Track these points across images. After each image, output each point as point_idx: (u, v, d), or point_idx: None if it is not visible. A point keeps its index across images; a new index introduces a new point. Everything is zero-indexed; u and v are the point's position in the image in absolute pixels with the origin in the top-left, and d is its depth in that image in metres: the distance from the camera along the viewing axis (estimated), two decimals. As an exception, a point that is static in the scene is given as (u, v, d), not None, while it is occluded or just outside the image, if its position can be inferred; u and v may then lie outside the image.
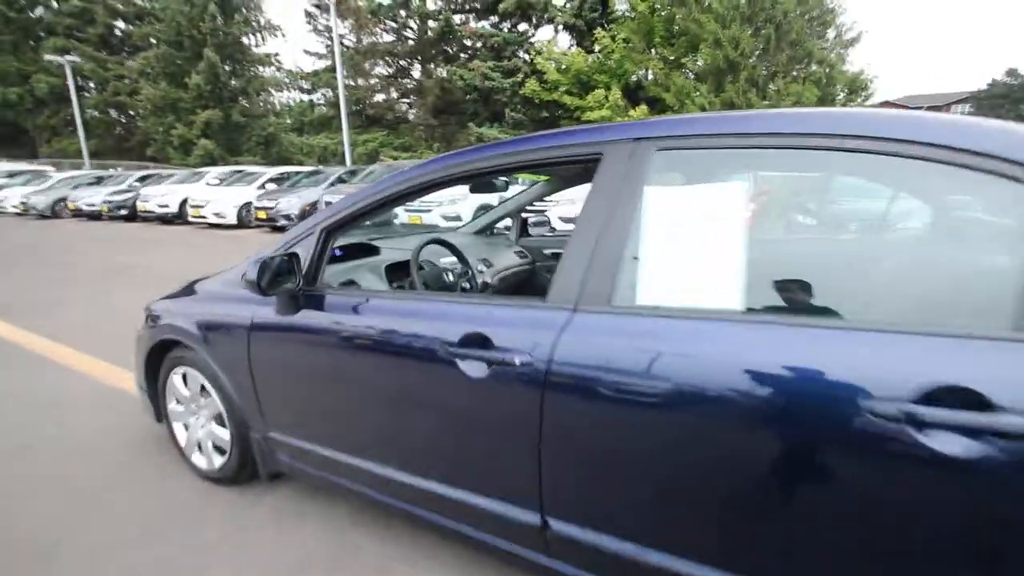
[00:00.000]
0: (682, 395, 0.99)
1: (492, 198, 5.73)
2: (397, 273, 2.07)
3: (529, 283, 2.80)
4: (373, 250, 2.24)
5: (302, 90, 28.41)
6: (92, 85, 27.75)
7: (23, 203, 14.35)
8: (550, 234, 3.12)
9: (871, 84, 15.98)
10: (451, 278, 2.09)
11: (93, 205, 13.28)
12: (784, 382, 0.91)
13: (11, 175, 17.34)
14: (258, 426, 1.78)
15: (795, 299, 1.05)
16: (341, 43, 20.10)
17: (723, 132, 1.08)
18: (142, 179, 14.43)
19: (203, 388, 1.92)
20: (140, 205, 12.63)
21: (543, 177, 2.77)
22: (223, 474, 1.95)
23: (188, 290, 2.01)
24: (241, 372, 1.73)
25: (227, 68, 25.37)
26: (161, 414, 2.15)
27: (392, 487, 1.49)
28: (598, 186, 1.17)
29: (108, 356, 3.24)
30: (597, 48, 18.79)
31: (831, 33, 15.85)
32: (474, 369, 1.22)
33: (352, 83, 24.79)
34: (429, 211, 8.53)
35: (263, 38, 27.97)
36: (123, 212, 12.98)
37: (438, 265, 2.17)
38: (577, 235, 1.17)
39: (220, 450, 1.95)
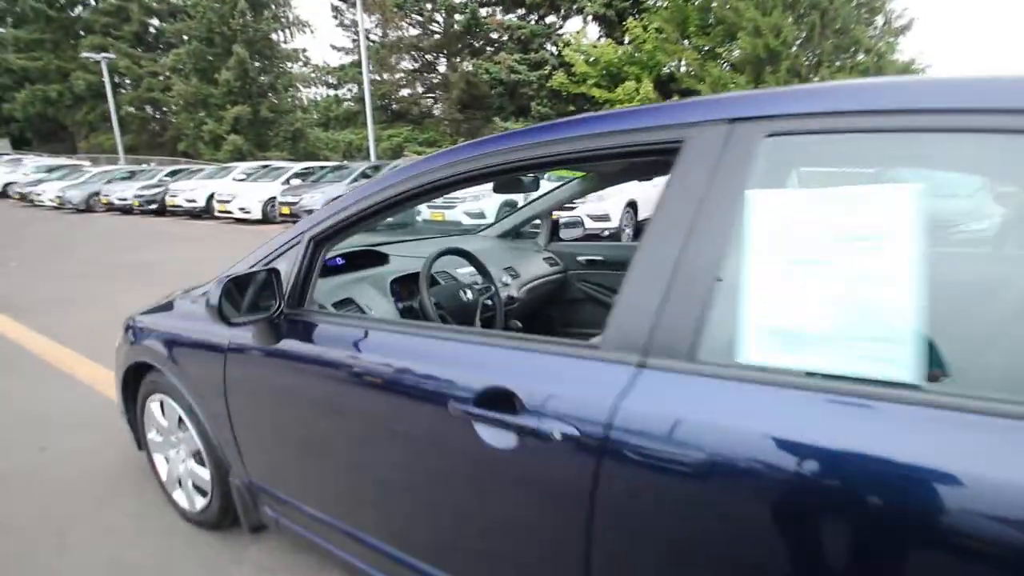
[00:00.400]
0: (821, 517, 0.64)
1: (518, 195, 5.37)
2: (406, 287, 1.75)
3: (560, 295, 2.46)
4: (380, 258, 1.93)
5: (328, 85, 28.42)
6: (127, 82, 28.39)
7: (59, 197, 14.66)
8: (582, 238, 2.75)
9: (923, 74, 15.04)
10: (470, 295, 1.75)
11: (125, 199, 13.47)
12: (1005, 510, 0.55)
13: (49, 170, 17.84)
14: (238, 470, 1.49)
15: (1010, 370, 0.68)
16: (367, 37, 19.98)
17: (872, 108, 0.72)
18: (172, 174, 14.59)
19: (181, 420, 1.65)
20: (169, 200, 12.74)
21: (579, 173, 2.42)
22: (205, 518, 1.68)
23: (167, 304, 1.74)
24: (216, 406, 1.44)
25: (256, 64, 25.57)
26: (141, 442, 1.89)
27: (392, 569, 1.18)
28: (676, 188, 0.82)
29: (110, 361, 3.05)
30: (628, 39, 18.15)
31: (879, 20, 14.95)
32: (496, 437, 0.89)
33: (378, 78, 24.67)
34: (452, 207, 8.21)
35: (291, 34, 28.22)
36: (153, 206, 13.13)
37: (455, 278, 1.83)
38: (644, 258, 0.82)
39: (201, 491, 1.68)
